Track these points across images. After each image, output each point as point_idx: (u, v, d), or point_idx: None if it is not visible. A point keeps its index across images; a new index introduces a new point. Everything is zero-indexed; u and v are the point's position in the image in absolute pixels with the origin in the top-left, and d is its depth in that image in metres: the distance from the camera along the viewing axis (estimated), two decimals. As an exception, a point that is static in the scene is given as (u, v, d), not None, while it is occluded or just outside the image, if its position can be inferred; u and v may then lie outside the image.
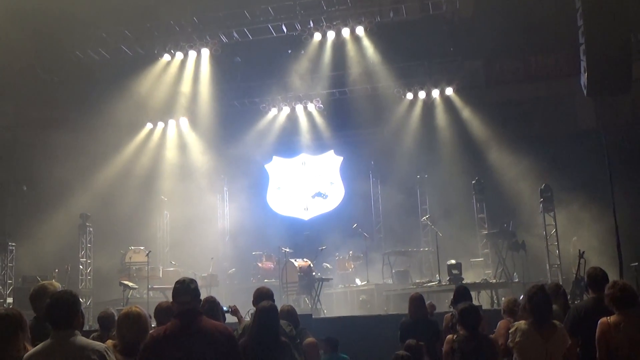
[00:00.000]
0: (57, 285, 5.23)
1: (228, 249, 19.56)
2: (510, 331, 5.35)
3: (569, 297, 8.33)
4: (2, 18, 14.62)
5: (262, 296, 5.92)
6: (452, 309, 7.24)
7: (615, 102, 14.90)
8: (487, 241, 15.81)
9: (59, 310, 4.13)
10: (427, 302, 7.66)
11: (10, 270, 16.34)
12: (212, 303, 5.69)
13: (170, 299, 4.66)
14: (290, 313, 6.39)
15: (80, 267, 17.29)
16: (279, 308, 5.63)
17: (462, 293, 7.13)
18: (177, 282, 4.58)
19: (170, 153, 19.44)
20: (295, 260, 15.65)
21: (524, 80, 17.93)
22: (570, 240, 14.50)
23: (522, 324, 5.31)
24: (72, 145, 17.58)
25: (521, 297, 5.92)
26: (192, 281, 4.57)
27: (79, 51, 17.68)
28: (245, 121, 19.50)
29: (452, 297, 7.51)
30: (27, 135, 18.20)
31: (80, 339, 4.13)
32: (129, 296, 14.88)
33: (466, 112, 17.89)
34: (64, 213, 16.95)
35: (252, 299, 6.10)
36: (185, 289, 4.52)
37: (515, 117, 17.59)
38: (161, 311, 5.50)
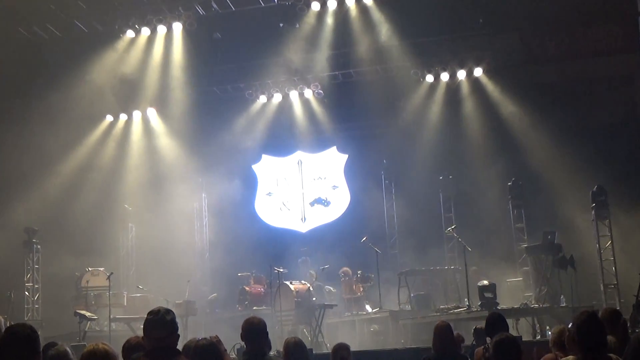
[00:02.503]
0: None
1: (208, 269, 19.53)
2: (556, 368, 5.33)
3: (628, 325, 8.32)
4: None
5: (253, 329, 5.90)
6: (485, 342, 7.24)
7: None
8: (527, 257, 15.81)
9: (11, 350, 4.03)
10: (454, 333, 7.67)
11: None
12: (211, 350, 5.56)
13: (139, 333, 4.65)
14: (298, 347, 6.38)
15: (26, 293, 17.29)
16: (280, 342, 5.63)
17: (497, 321, 7.12)
18: (149, 313, 4.56)
19: (136, 152, 19.45)
20: (291, 283, 15.64)
21: (569, 58, 17.94)
22: (633, 255, 14.53)
23: (570, 359, 5.30)
24: (13, 144, 17.59)
25: (569, 326, 5.92)
26: (168, 312, 4.55)
27: (22, 28, 17.69)
28: (228, 112, 19.51)
29: (484, 326, 7.52)
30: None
31: None
32: (86, 329, 14.87)
33: (499, 98, 17.90)
34: (4, 227, 16.95)
35: (238, 331, 6.09)
36: (160, 321, 4.49)
37: (559, 103, 17.60)
38: (130, 349, 5.46)
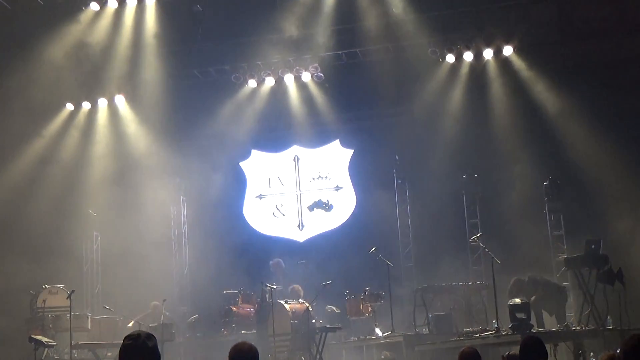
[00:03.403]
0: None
1: (187, 286, 19.48)
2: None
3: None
4: None
5: (242, 357, 5.87)
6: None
7: None
8: (566, 270, 15.77)
9: None
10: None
11: None
12: None
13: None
14: None
15: (-31, 314, 17.26)
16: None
17: (532, 347, 7.08)
18: (127, 338, 4.53)
19: (101, 148, 19.41)
20: (287, 302, 15.60)
21: (616, 33, 17.89)
22: None
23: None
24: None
25: (617, 352, 5.90)
26: (150, 337, 4.53)
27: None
28: (211, 99, 19.45)
29: (517, 352, 7.48)
30: None
31: None
32: (43, 357, 14.80)
33: (533, 81, 17.87)
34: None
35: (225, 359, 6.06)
36: (141, 348, 4.48)
37: (606, 88, 17.54)
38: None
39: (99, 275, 19.35)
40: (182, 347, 16.55)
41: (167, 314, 16.44)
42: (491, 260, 14.54)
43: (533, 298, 14.41)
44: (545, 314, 14.90)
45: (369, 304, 16.51)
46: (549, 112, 17.61)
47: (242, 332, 16.19)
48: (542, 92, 17.72)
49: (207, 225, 18.88)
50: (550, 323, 14.38)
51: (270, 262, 17.34)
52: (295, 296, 16.37)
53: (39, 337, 14.90)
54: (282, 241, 19.68)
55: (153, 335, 4.57)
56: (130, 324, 16.40)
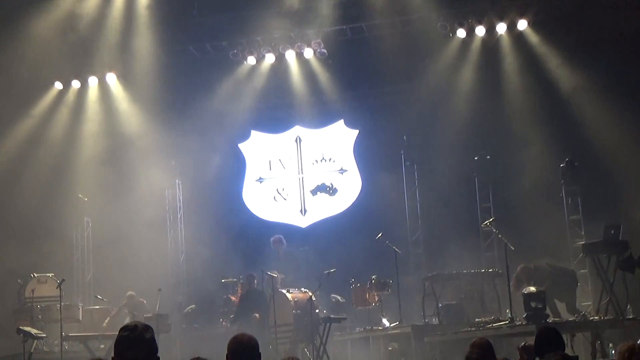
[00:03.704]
0: None
1: (184, 275, 19.52)
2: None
3: None
4: None
5: (242, 349, 5.88)
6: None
7: None
8: (584, 257, 15.77)
9: None
10: None
11: None
12: None
13: (97, 354, 4.66)
14: None
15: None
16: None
17: (548, 338, 7.12)
18: (123, 329, 4.54)
19: (91, 129, 19.42)
20: (289, 291, 15.64)
21: (637, 5, 17.80)
22: None
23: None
24: None
25: (638, 342, 5.90)
26: (147, 328, 4.54)
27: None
28: (207, 77, 19.44)
29: (532, 343, 7.49)
30: None
31: None
32: (32, 350, 14.83)
33: (549, 56, 17.82)
34: None
35: (223, 352, 6.07)
36: (138, 339, 4.47)
37: (624, 62, 17.46)
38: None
39: (90, 263, 19.41)
40: (178, 339, 16.58)
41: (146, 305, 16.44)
42: (504, 246, 14.54)
43: (544, 287, 14.44)
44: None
45: (375, 293, 16.54)
46: (566, 89, 17.58)
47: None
48: (559, 68, 17.69)
49: (204, 211, 18.90)
50: (566, 314, 14.37)
51: (272, 239, 17.30)
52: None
53: (27, 329, 14.94)
54: (283, 227, 19.67)
55: (150, 327, 4.58)
56: (104, 323, 16.44)
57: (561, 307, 14.79)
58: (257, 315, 15.33)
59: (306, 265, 17.19)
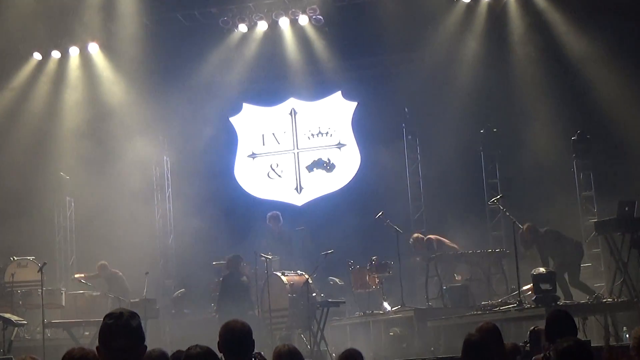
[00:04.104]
0: None
1: (172, 257, 19.54)
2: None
3: None
4: None
5: (235, 336, 5.89)
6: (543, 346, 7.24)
7: None
8: (596, 235, 15.81)
9: None
10: (508, 344, 7.65)
11: None
12: None
13: (82, 342, 4.65)
14: (293, 358, 6.47)
15: None
16: (270, 351, 5.62)
17: (561, 321, 7.12)
18: (108, 317, 4.53)
19: (73, 102, 19.37)
20: (284, 274, 15.66)
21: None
22: None
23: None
24: None
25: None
26: (134, 315, 4.53)
27: None
28: (196, 46, 19.39)
29: (542, 327, 7.49)
30: None
31: None
32: (12, 337, 14.84)
33: (559, 22, 17.75)
34: None
35: (214, 339, 6.08)
36: (124, 327, 4.46)
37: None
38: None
39: (73, 245, 19.45)
40: (167, 325, 16.63)
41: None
42: (512, 225, 14.58)
43: (554, 264, 14.49)
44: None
45: (375, 275, 16.56)
46: (577, 57, 17.49)
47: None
48: (569, 34, 17.61)
49: (194, 189, 18.87)
50: (577, 296, 14.38)
51: (268, 215, 17.23)
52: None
53: (7, 316, 14.95)
54: (278, 205, 19.61)
55: (137, 314, 4.57)
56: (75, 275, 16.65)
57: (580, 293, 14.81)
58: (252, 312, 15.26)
59: (302, 246, 17.18)
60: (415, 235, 16.78)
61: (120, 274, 16.94)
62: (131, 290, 16.66)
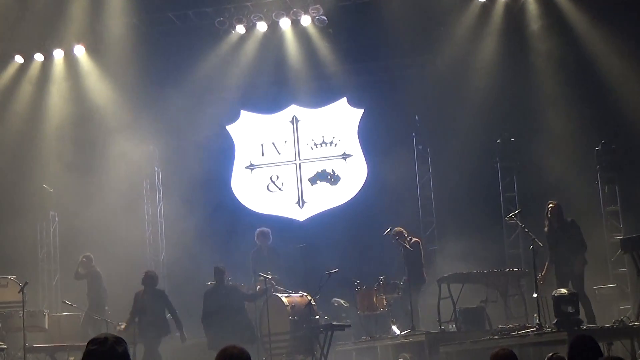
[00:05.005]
0: None
1: (164, 276, 19.51)
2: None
3: None
4: None
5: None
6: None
7: None
8: (622, 253, 15.79)
9: None
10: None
11: None
12: None
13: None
14: None
15: None
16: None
17: (585, 347, 7.10)
18: (92, 342, 4.56)
19: (58, 109, 19.44)
20: (284, 295, 15.65)
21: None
22: None
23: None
24: None
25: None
26: (119, 341, 4.56)
27: None
28: (190, 49, 19.46)
29: (565, 354, 7.48)
30: None
31: None
32: (-9, 363, 14.90)
33: (583, 22, 17.76)
34: None
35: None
36: (109, 354, 4.50)
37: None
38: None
39: (57, 264, 19.48)
40: (160, 350, 16.60)
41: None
42: (531, 242, 14.54)
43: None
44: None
45: (383, 297, 16.56)
46: (602, 61, 17.51)
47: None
48: (593, 35, 17.61)
49: (188, 202, 18.95)
50: (602, 319, 14.35)
51: (257, 231, 17.19)
52: None
53: (-14, 339, 14.99)
54: (278, 220, 19.72)
55: (122, 340, 4.59)
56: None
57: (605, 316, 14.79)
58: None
59: (304, 265, 17.16)
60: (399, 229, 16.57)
61: (102, 275, 17.04)
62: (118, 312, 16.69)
